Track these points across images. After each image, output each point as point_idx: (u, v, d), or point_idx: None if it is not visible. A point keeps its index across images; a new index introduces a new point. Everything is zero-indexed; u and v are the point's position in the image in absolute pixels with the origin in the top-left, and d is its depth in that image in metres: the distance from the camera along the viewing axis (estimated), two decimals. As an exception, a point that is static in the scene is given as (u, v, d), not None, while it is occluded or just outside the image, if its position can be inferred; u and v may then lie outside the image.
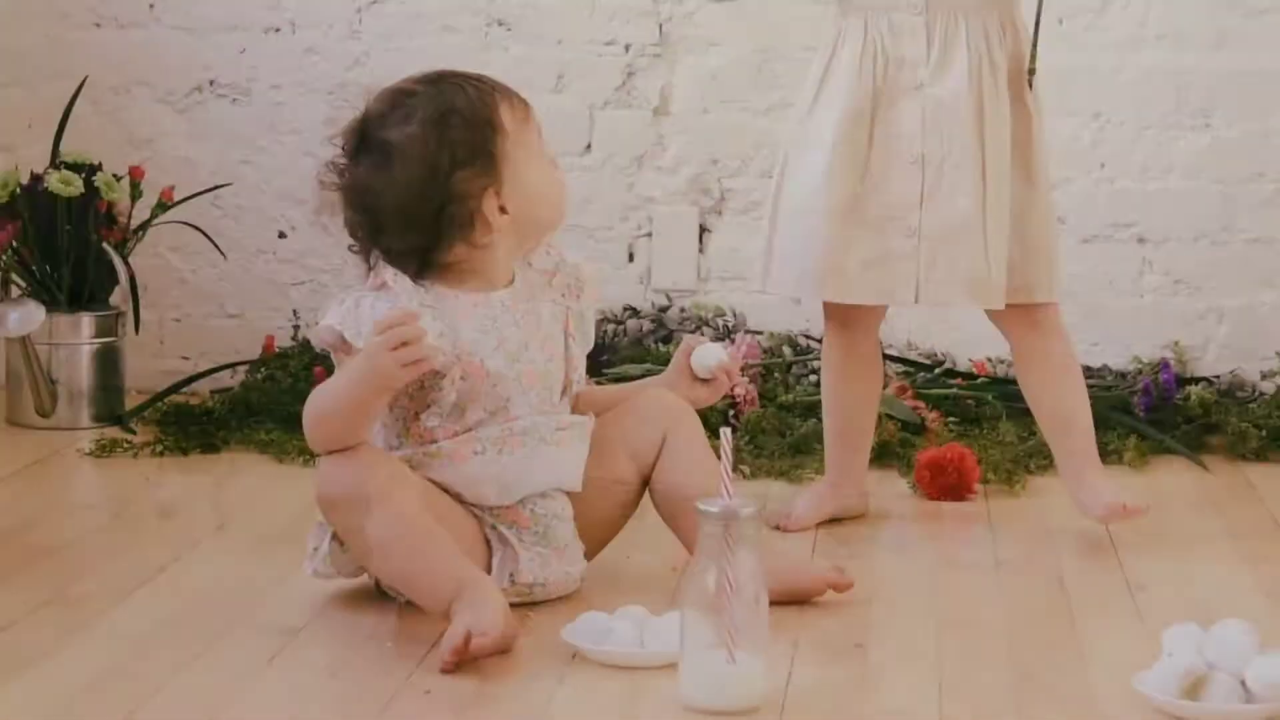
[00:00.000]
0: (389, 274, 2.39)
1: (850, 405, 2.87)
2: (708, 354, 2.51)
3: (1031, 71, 2.74)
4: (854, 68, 2.72)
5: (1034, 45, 2.74)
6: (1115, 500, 2.75)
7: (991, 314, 2.82)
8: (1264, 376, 3.58)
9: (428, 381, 2.38)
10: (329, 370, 3.43)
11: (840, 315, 2.83)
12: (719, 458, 2.11)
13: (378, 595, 2.44)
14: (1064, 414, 2.82)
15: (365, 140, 2.40)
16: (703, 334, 2.56)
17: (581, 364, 2.51)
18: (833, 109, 2.73)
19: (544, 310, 2.47)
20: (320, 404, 2.34)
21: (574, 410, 2.49)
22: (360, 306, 2.36)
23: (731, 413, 3.39)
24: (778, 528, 2.81)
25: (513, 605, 2.31)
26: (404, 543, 2.29)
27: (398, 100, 2.40)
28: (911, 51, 2.72)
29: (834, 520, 2.86)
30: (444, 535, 2.31)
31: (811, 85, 2.77)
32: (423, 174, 2.37)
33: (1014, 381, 3.52)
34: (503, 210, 2.40)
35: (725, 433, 2.10)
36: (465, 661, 2.17)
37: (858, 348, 2.85)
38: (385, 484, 2.30)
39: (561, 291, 2.50)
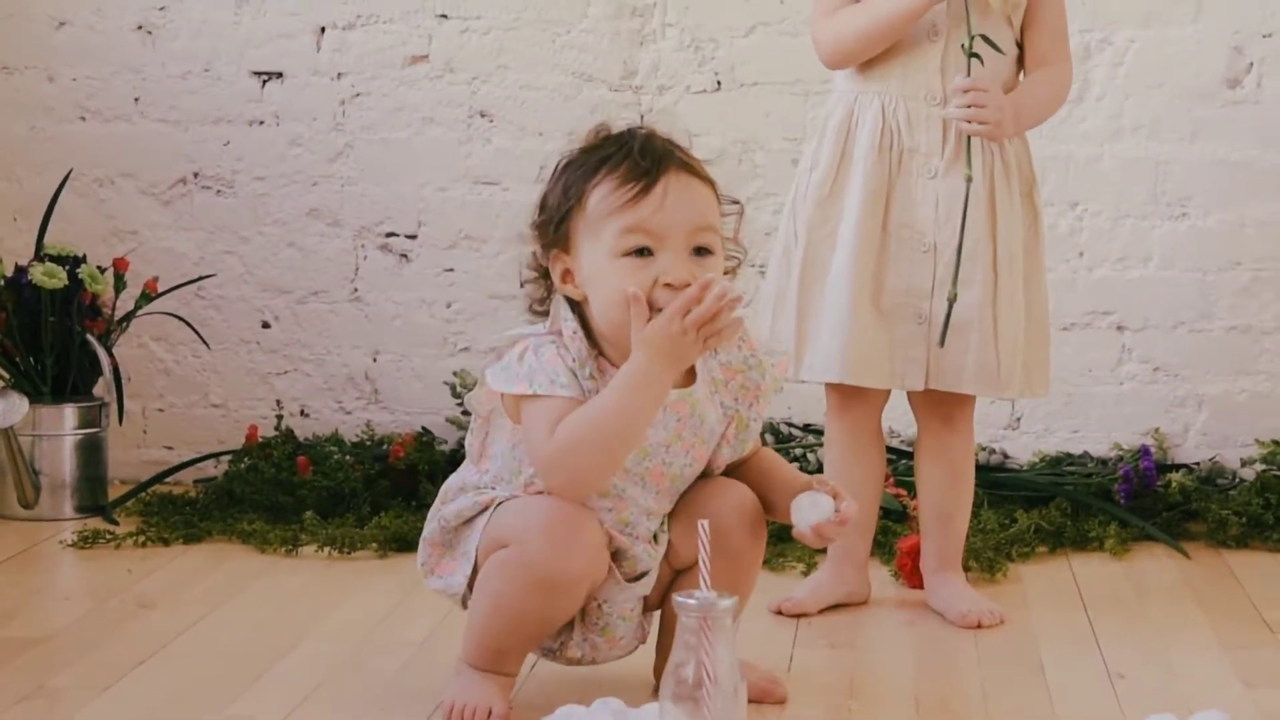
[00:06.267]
0: (570, 327, 2.30)
1: (853, 487, 2.88)
2: (804, 510, 2.32)
3: (969, 179, 2.77)
4: (872, 154, 2.76)
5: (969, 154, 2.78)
6: (971, 613, 2.79)
7: (911, 397, 2.86)
8: (1244, 464, 3.59)
9: None
10: (312, 461, 3.48)
11: (845, 397, 2.85)
12: (699, 549, 2.10)
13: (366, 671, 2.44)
14: (945, 511, 2.89)
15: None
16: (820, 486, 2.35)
17: (723, 464, 2.40)
18: (853, 194, 2.77)
19: (710, 414, 2.35)
20: (596, 423, 2.19)
21: (744, 459, 2.39)
22: (541, 354, 2.26)
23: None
24: (779, 611, 2.82)
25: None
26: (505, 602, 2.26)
27: (596, 134, 2.35)
28: (926, 142, 2.76)
29: (836, 606, 2.87)
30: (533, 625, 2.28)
31: (828, 166, 2.80)
32: (539, 210, 2.32)
33: (996, 469, 3.56)
34: (569, 281, 2.29)
35: (702, 524, 2.10)
36: None
37: (862, 430, 2.87)
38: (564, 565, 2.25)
39: (735, 395, 2.37)
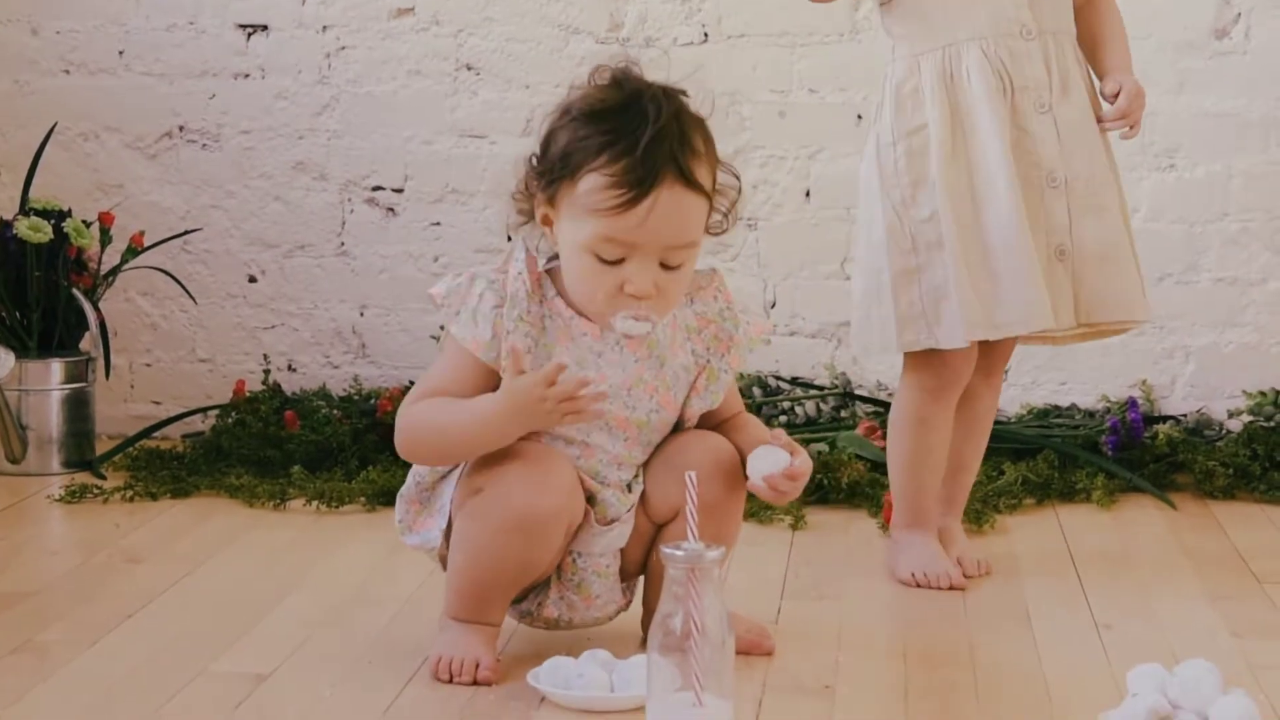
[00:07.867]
0: (517, 268, 2.30)
1: (942, 458, 2.83)
2: (759, 460, 2.31)
3: None
4: (987, 99, 2.70)
5: None
6: (955, 567, 2.77)
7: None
8: (1230, 415, 3.60)
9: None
10: (300, 415, 3.48)
11: (949, 376, 2.76)
12: (686, 500, 2.11)
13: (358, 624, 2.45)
14: (959, 460, 2.86)
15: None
16: (778, 432, 2.34)
17: (696, 415, 2.39)
18: (980, 144, 2.70)
19: (676, 359, 2.35)
20: (442, 428, 2.27)
21: (722, 420, 2.40)
22: (475, 286, 2.29)
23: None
24: (952, 588, 2.74)
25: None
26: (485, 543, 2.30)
27: (614, 78, 2.32)
28: (1034, 76, 2.73)
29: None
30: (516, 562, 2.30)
31: (941, 125, 2.70)
32: (542, 151, 2.31)
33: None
34: (548, 225, 2.30)
35: (690, 475, 2.10)
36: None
37: (952, 401, 2.79)
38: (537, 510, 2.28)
39: (707, 344, 2.37)
